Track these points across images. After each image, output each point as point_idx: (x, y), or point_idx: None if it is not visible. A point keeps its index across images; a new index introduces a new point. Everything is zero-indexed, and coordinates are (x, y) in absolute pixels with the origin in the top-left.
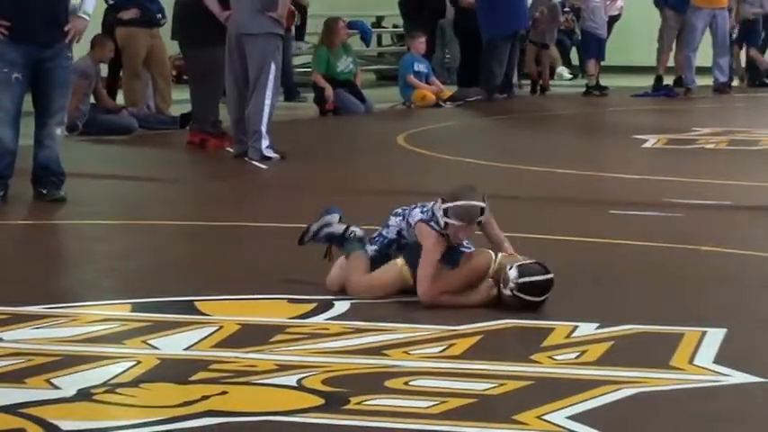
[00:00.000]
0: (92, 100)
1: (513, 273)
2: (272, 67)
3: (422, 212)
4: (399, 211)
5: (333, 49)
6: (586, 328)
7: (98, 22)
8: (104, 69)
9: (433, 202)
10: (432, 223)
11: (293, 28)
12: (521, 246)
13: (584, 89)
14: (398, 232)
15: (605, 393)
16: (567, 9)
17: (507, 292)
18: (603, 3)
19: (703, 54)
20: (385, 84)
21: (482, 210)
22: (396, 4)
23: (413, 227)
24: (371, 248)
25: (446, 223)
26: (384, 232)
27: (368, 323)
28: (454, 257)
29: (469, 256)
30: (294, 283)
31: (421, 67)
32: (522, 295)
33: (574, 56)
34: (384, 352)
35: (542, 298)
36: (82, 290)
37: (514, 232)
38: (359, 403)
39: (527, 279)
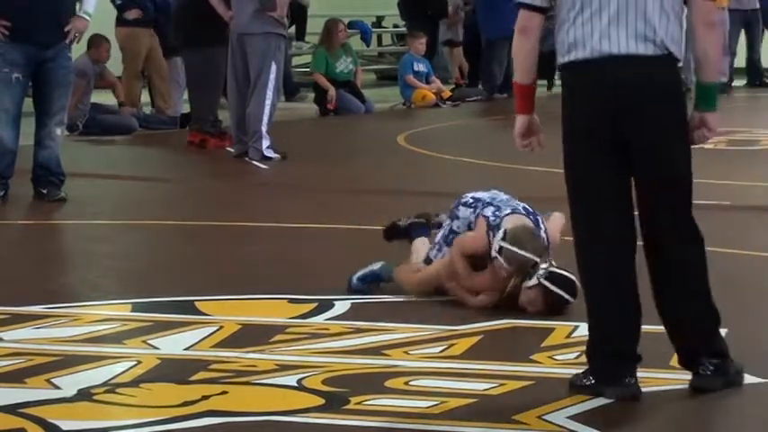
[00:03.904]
0: (92, 99)
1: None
2: (273, 66)
3: (493, 215)
4: (470, 200)
5: (331, 50)
6: (586, 328)
7: (105, 23)
8: (118, 67)
9: (504, 212)
10: (490, 232)
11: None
12: None
13: None
14: (469, 225)
15: None
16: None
17: (533, 281)
18: None
19: None
20: (385, 84)
21: (534, 264)
22: (396, 4)
23: (476, 219)
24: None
25: (495, 257)
26: (455, 227)
27: (368, 323)
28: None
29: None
30: (294, 283)
31: (420, 66)
32: (548, 284)
33: None
34: (384, 352)
35: (568, 297)
36: (82, 290)
37: None
38: (359, 403)
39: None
